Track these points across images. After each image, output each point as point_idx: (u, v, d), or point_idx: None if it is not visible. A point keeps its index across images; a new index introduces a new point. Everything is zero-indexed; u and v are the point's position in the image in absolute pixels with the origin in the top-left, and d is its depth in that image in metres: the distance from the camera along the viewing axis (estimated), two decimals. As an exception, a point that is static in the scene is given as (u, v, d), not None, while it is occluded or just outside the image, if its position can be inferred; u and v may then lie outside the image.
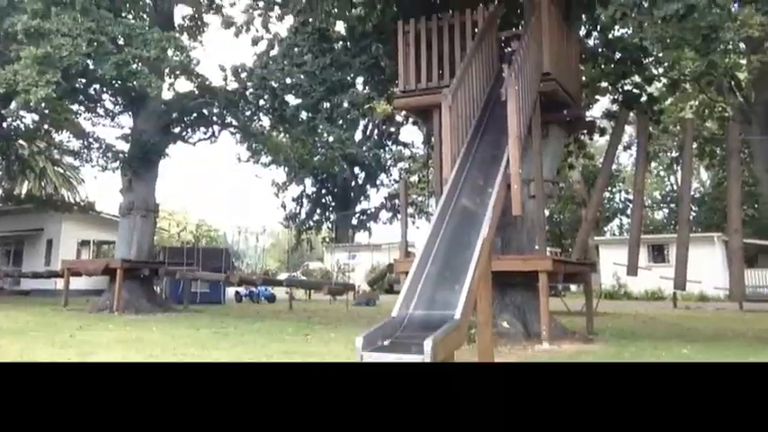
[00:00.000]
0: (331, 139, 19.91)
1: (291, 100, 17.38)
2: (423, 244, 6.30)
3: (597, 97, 16.72)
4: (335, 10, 13.72)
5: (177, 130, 18.97)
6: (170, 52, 14.86)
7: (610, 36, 14.34)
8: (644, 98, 14.67)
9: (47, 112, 15.66)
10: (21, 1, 13.58)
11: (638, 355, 8.19)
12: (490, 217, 6.38)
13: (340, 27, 15.07)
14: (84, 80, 16.14)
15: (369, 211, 44.32)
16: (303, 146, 20.32)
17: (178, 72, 17.50)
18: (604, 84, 15.56)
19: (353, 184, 43.48)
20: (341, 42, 14.59)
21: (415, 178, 37.08)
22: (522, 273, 9.69)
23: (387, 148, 42.46)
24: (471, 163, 7.63)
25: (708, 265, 25.46)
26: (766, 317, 16.57)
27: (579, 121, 12.26)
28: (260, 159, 26.68)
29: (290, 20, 16.83)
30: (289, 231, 44.75)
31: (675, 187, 40.42)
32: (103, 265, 17.41)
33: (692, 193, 29.66)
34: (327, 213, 44.48)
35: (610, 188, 38.47)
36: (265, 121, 19.97)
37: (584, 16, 13.72)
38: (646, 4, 8.22)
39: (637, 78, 14.75)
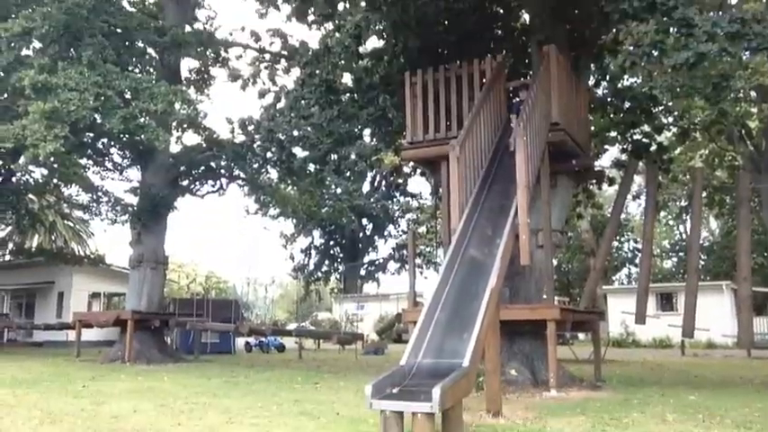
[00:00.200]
0: (339, 190, 19.92)
1: (299, 152, 17.38)
2: (431, 293, 6.37)
3: (606, 147, 16.63)
4: (342, 62, 13.79)
5: (185, 183, 19.02)
6: (177, 106, 14.95)
7: (619, 85, 14.36)
8: (653, 147, 14.58)
9: (56, 166, 15.67)
10: (27, 56, 13.70)
11: (646, 402, 8.25)
12: (498, 267, 6.42)
13: (347, 79, 15.13)
14: (92, 134, 16.26)
15: (377, 262, 44.23)
16: (311, 198, 20.32)
17: (185, 125, 17.61)
18: (614, 133, 15.49)
19: (361, 235, 43.40)
20: (348, 94, 14.60)
21: (423, 229, 37.11)
22: (530, 321, 9.69)
23: (395, 200, 42.49)
24: (479, 213, 7.63)
25: (716, 314, 25.34)
26: (773, 363, 16.37)
27: (588, 170, 12.24)
28: (268, 212, 26.76)
29: (296, 72, 16.96)
30: (297, 282, 44.86)
31: (684, 236, 40.18)
32: (114, 317, 17.50)
33: (701, 241, 29.41)
34: (336, 264, 44.44)
35: (618, 237, 38.39)
36: (273, 174, 19.99)
37: (592, 65, 13.73)
38: (655, 53, 8.13)
39: (646, 127, 14.68)
